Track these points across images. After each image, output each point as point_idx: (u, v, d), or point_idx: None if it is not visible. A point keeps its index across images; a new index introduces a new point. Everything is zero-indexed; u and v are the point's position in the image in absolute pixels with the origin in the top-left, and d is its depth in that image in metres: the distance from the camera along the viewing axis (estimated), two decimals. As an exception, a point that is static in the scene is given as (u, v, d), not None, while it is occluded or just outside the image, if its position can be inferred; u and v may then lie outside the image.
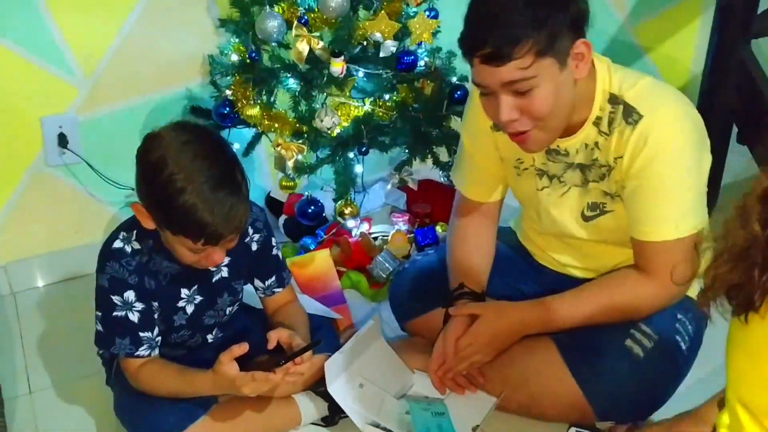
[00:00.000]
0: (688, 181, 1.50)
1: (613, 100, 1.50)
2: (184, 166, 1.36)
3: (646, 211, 1.51)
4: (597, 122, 1.52)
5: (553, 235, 1.74)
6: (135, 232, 1.52)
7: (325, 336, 1.68)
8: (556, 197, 1.65)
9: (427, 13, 2.18)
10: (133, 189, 2.31)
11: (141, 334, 1.52)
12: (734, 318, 0.89)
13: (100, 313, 1.54)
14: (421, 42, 2.16)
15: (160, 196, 1.38)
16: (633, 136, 1.47)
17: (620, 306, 1.58)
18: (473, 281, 1.73)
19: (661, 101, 1.48)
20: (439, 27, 2.15)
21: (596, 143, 1.53)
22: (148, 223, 1.46)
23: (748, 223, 0.83)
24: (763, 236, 0.80)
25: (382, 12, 2.07)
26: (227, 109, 2.19)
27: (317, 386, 1.64)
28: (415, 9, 2.17)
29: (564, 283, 1.71)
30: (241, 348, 1.43)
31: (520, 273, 1.84)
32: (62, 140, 2.25)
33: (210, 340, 1.70)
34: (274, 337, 1.53)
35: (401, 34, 2.12)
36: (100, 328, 1.55)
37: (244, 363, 1.47)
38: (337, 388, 1.61)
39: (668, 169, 1.47)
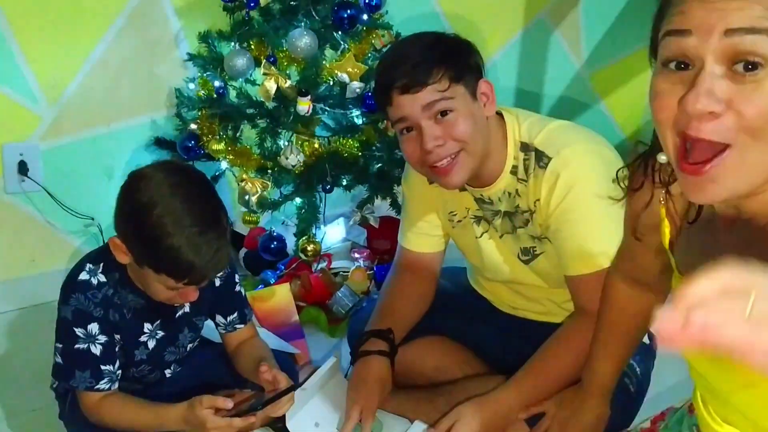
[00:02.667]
0: (605, 209, 1.45)
1: (525, 147, 1.56)
2: (173, 209, 1.36)
3: (572, 245, 1.53)
4: (514, 171, 1.58)
5: (500, 282, 1.78)
6: (102, 264, 1.51)
7: (288, 372, 1.69)
8: (496, 240, 1.69)
9: (392, 55, 2.23)
10: (92, 218, 2.36)
11: (102, 367, 1.51)
12: None
13: (60, 345, 1.51)
14: (386, 84, 2.21)
15: (147, 237, 1.38)
16: (545, 177, 1.52)
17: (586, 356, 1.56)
18: (394, 330, 1.73)
19: (564, 141, 1.54)
20: (403, 70, 2.21)
21: (516, 190, 1.59)
22: (124, 259, 1.46)
23: None
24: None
25: (349, 53, 2.12)
26: (192, 142, 2.21)
27: (276, 422, 1.65)
28: (381, 51, 2.23)
29: (518, 326, 1.75)
30: (226, 404, 1.42)
31: (474, 315, 1.86)
32: (22, 168, 2.24)
33: (168, 375, 1.70)
34: (273, 377, 1.51)
35: (367, 76, 2.17)
36: (59, 360, 1.52)
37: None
38: (295, 425, 1.61)
39: (583, 201, 1.51)
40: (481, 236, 1.70)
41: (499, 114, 1.59)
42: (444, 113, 1.46)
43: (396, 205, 2.32)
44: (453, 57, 1.47)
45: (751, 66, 0.76)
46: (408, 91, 1.45)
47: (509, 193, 1.60)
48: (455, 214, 1.72)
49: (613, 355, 1.45)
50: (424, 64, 1.44)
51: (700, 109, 0.77)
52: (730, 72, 0.77)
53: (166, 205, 1.37)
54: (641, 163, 1.05)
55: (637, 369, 1.67)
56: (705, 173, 0.79)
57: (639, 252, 1.21)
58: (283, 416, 1.59)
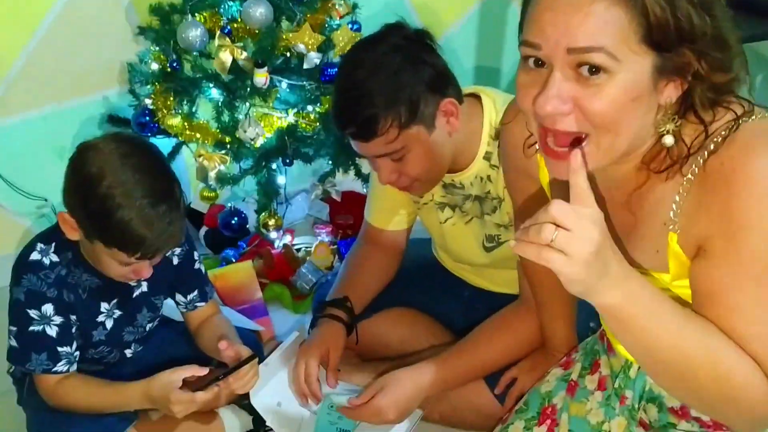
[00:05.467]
0: None
1: (497, 135, 1.54)
2: (123, 181, 1.32)
3: None
4: (487, 156, 1.57)
5: (462, 262, 1.80)
6: (54, 243, 1.47)
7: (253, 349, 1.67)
8: (461, 226, 1.70)
9: (350, 25, 2.20)
10: (46, 199, 2.30)
11: (59, 349, 1.48)
12: None
13: (15, 328, 1.48)
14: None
15: (96, 209, 1.34)
16: None
17: (518, 344, 1.60)
18: (353, 298, 1.74)
19: None
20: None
21: (488, 176, 1.59)
22: (73, 234, 1.42)
23: None
24: None
25: (306, 24, 2.08)
26: (147, 118, 2.15)
27: (241, 399, 1.63)
28: (338, 22, 2.20)
29: (483, 297, 1.77)
30: (201, 370, 1.43)
31: (439, 286, 1.88)
32: (-30, 149, 2.17)
33: (129, 356, 1.67)
34: (235, 352, 1.50)
35: (325, 46, 2.13)
36: (14, 343, 1.49)
37: None
38: (260, 401, 1.60)
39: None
40: (445, 222, 1.71)
41: (477, 96, 1.57)
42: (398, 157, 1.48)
43: (361, 175, 2.29)
44: (405, 94, 1.42)
45: (594, 69, 0.89)
46: (358, 139, 1.47)
47: (481, 178, 1.60)
48: (420, 196, 1.72)
49: (559, 315, 1.52)
50: (373, 112, 1.42)
51: (549, 112, 0.91)
52: (576, 74, 0.90)
53: (115, 176, 1.33)
54: None
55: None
56: (567, 159, 0.93)
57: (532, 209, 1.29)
58: (248, 393, 1.57)
